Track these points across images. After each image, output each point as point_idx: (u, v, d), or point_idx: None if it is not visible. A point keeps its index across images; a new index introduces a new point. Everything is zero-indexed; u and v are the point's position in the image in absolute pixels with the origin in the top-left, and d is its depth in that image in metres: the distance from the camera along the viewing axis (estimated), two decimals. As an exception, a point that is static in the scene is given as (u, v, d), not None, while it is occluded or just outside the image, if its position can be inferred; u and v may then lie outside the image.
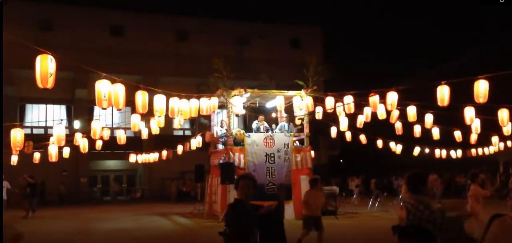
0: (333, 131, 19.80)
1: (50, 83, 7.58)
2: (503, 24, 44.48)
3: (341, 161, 42.58)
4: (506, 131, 14.79)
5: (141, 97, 10.82)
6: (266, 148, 17.54)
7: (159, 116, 12.68)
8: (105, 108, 9.40)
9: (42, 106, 33.37)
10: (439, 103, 10.85)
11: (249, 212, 4.57)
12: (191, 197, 28.57)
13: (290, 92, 17.66)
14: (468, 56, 31.98)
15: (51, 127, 21.71)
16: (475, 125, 14.53)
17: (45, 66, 7.57)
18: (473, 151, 24.12)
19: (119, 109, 9.63)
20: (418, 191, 4.63)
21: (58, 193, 31.07)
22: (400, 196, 21.31)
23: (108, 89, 9.33)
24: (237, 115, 18.28)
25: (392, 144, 21.66)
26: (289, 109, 18.57)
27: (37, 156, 19.28)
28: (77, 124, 29.41)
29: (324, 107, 16.36)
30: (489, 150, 23.37)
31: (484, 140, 20.67)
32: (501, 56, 29.67)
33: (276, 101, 17.41)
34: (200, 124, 31.97)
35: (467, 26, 52.72)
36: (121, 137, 18.26)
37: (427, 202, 4.56)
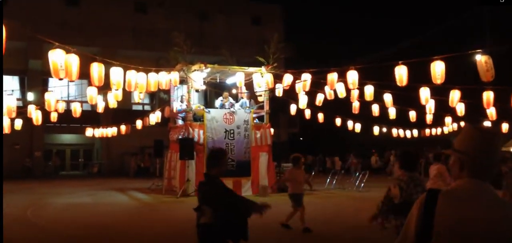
0: (293, 109, 19.92)
1: (-2, 52, 7.20)
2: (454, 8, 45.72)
3: (301, 138, 43.08)
4: (459, 111, 15.28)
5: (97, 69, 10.50)
6: (226, 124, 17.49)
7: (116, 90, 12.38)
8: (61, 78, 9.08)
9: (-7, 76, 32.02)
10: (398, 83, 11.00)
11: (222, 187, 4.53)
12: (150, 172, 28.27)
13: (251, 69, 17.59)
14: (421, 38, 32.70)
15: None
16: (430, 105, 14.92)
17: (-7, 34, 7.18)
18: (428, 130, 24.89)
19: (71, 81, 9.32)
20: (411, 168, 4.77)
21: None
22: (357, 173, 21.81)
23: (63, 59, 9.00)
24: (197, 90, 18.13)
25: (350, 123, 22.01)
26: (249, 86, 18.56)
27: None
28: (30, 96, 28.43)
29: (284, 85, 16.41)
30: (442, 130, 24.18)
31: (438, 120, 21.32)
32: (454, 38, 30.56)
33: (237, 77, 17.31)
34: (159, 98, 31.57)
35: (423, 8, 53.76)
36: (77, 109, 17.78)
37: (418, 179, 4.69)
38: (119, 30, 32.42)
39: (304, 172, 10.22)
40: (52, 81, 28.69)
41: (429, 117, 17.70)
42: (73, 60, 9.31)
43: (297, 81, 15.41)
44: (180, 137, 17.48)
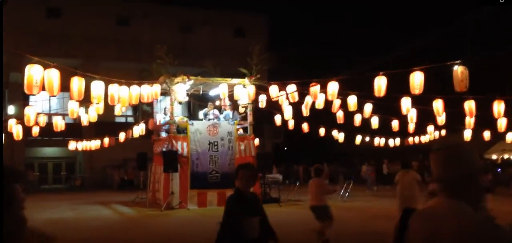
0: (278, 119, 19.96)
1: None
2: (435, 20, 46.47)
3: (285, 148, 43.17)
4: (440, 120, 15.47)
5: (77, 83, 10.39)
6: (210, 136, 17.45)
7: (97, 103, 12.28)
8: (34, 94, 8.98)
9: (-27, 90, 31.49)
10: (376, 93, 11.17)
11: (250, 202, 4.50)
12: (134, 185, 28.01)
13: (234, 81, 17.60)
14: (405, 50, 33.19)
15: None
16: (411, 114, 15.08)
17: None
18: (411, 139, 25.13)
19: (52, 96, 9.23)
20: None
21: None
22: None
23: (41, 75, 8.89)
24: (180, 102, 18.04)
25: (334, 132, 22.13)
26: (233, 97, 18.56)
27: (-34, 143, 18.18)
28: (11, 109, 28.07)
29: (267, 96, 16.48)
30: (425, 139, 24.43)
31: (420, 129, 21.54)
32: (435, 49, 31.06)
33: (220, 89, 17.31)
34: (143, 111, 31.37)
35: (405, 21, 54.41)
36: (59, 123, 17.57)
37: None
38: (102, 42, 32.20)
39: (326, 183, 10.00)
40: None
41: (411, 127, 17.90)
42: (54, 75, 9.22)
43: (279, 95, 15.45)
44: (163, 149, 17.38)
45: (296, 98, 15.09)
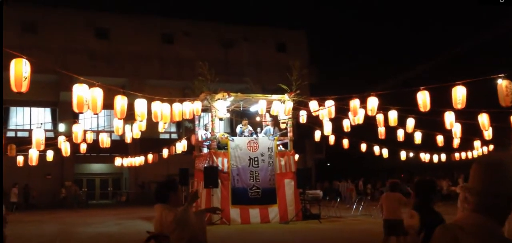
0: (318, 135, 19.83)
1: (24, 87, 7.50)
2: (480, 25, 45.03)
3: (328, 164, 42.76)
4: (487, 135, 14.93)
5: (120, 102, 10.74)
6: (250, 151, 17.53)
7: (140, 121, 12.62)
8: (83, 113, 9.39)
9: (27, 109, 32.98)
10: (422, 109, 10.89)
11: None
12: (177, 200, 28.40)
13: (273, 96, 17.64)
14: (445, 58, 32.24)
15: (34, 130, 21.49)
16: (455, 129, 14.65)
17: (20, 70, 7.50)
18: (457, 155, 24.36)
19: (96, 114, 9.59)
20: (429, 198, 4.67)
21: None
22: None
23: (88, 93, 9.28)
24: (220, 119, 18.25)
25: (376, 148, 21.76)
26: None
27: (20, 159, 19.12)
28: (62, 127, 29.19)
29: (308, 111, 16.40)
30: (472, 154, 23.62)
31: (466, 144, 20.87)
32: (481, 57, 29.99)
33: (260, 105, 17.40)
34: (185, 127, 31.92)
35: (445, 27, 53.09)
36: (105, 140, 18.14)
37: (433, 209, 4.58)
38: (147, 60, 33.14)
39: (400, 197, 9.66)
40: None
41: (456, 142, 17.38)
42: (98, 94, 9.58)
43: (319, 109, 15.36)
44: (205, 166, 17.59)
45: (332, 115, 14.90)
